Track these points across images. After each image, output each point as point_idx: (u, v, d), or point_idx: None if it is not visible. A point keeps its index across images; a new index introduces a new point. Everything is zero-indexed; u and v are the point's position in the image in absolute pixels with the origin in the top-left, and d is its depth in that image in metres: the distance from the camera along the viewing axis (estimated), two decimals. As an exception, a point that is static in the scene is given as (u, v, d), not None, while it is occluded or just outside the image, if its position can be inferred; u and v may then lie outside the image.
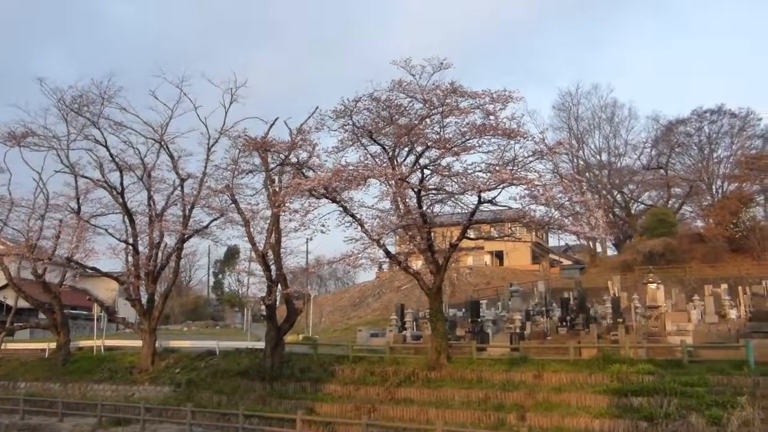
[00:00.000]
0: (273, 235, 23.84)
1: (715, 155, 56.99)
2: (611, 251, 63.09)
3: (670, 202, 60.34)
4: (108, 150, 26.98)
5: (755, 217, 51.03)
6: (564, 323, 26.26)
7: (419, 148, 20.77)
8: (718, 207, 50.99)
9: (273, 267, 23.91)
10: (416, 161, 21.03)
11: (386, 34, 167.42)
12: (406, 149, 21.12)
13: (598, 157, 62.54)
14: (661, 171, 59.91)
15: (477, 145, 20.10)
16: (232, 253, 64.33)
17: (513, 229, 24.58)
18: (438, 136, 20.26)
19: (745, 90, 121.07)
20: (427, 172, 21.16)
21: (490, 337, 26.36)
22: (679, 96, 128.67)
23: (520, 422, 17.22)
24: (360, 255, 20.78)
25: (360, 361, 23.30)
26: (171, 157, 27.19)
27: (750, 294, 31.49)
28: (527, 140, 19.68)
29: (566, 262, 64.52)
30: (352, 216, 21.40)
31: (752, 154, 53.00)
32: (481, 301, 32.31)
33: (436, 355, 21.12)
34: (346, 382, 21.68)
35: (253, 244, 24.04)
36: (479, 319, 27.73)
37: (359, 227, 21.13)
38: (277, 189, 23.30)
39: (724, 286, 34.13)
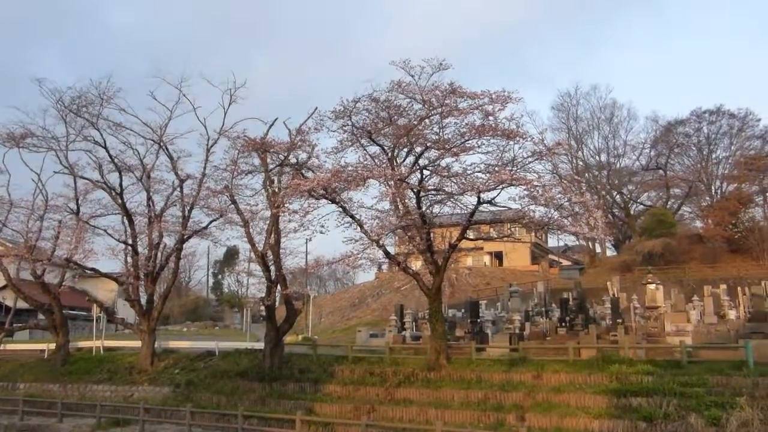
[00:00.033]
0: (272, 235, 23.83)
1: (714, 156, 57.17)
2: (610, 252, 63.25)
3: (669, 202, 60.39)
4: (107, 151, 26.98)
5: (754, 217, 51.06)
6: (563, 324, 26.22)
7: (418, 149, 20.78)
8: (717, 207, 51.04)
9: (272, 267, 23.93)
10: (415, 162, 21.03)
11: (385, 34, 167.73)
12: (406, 150, 21.14)
13: (597, 157, 62.69)
14: (660, 171, 59.90)
15: (476, 145, 20.13)
16: (231, 254, 64.16)
17: (512, 229, 24.60)
18: (437, 137, 20.27)
19: (744, 90, 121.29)
20: (426, 172, 21.17)
21: (489, 338, 26.36)
22: (678, 96, 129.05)
23: (520, 423, 17.23)
24: (359, 255, 20.77)
25: (359, 361, 23.30)
26: (170, 157, 27.17)
27: (749, 294, 31.42)
28: (526, 141, 19.73)
29: (565, 263, 64.60)
30: (352, 217, 21.40)
31: (751, 155, 53.02)
32: (480, 302, 32.37)
33: (436, 356, 21.12)
34: (346, 383, 21.67)
35: (253, 244, 24.03)
36: (478, 320, 27.76)
37: (358, 228, 21.13)
38: (277, 190, 23.31)
39: (723, 286, 34.17)
